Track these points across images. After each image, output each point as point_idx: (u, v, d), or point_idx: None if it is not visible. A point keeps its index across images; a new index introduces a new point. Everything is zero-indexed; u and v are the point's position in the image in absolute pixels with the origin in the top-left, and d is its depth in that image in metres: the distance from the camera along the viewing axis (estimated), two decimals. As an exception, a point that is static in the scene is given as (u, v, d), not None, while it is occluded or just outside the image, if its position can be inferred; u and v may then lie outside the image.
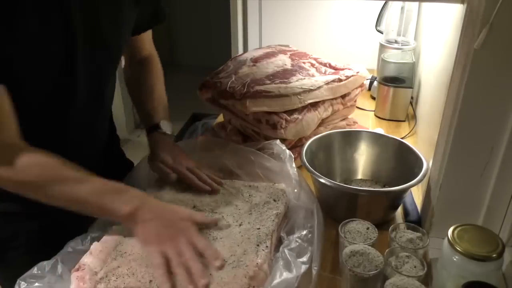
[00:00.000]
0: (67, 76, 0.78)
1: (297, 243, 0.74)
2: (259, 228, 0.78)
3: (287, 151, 0.93)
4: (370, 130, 1.20)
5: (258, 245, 0.74)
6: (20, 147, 0.71)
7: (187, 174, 0.89)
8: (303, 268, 0.69)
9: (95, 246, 0.72)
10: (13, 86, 0.71)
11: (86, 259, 0.70)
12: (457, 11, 0.84)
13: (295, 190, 0.86)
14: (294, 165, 0.90)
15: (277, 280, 0.66)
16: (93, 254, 0.70)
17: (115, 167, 1.00)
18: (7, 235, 0.87)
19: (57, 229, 0.79)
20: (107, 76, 0.89)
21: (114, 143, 1.07)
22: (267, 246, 0.74)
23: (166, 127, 0.98)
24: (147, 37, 1.03)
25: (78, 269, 0.68)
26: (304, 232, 0.77)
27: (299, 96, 1.08)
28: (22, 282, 0.66)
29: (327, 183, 0.88)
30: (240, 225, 0.79)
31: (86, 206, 0.72)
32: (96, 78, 0.84)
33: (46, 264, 0.69)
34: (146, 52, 1.04)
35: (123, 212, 0.71)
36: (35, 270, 0.68)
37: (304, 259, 0.71)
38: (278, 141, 0.96)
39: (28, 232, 0.87)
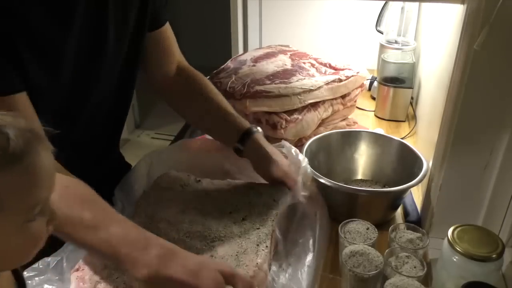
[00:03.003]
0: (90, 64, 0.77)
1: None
2: (259, 228, 0.78)
3: (295, 150, 0.92)
4: (370, 130, 1.20)
5: (258, 245, 0.74)
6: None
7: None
8: None
9: None
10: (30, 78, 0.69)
11: (86, 259, 0.70)
12: (457, 11, 0.84)
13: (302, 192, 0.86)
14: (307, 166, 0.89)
15: None
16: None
17: (113, 169, 0.99)
18: None
19: None
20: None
21: (115, 145, 1.06)
22: (267, 246, 0.74)
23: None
24: (171, 38, 0.95)
25: (78, 269, 0.68)
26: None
27: (299, 96, 1.08)
28: (25, 272, 0.66)
29: (327, 183, 0.88)
30: (240, 225, 0.79)
31: (99, 255, 0.65)
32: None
33: (51, 261, 0.69)
34: (177, 61, 0.98)
35: (139, 276, 0.62)
36: (39, 264, 0.68)
37: None
38: (286, 143, 0.95)
39: None
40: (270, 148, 0.89)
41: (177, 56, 0.98)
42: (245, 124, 0.91)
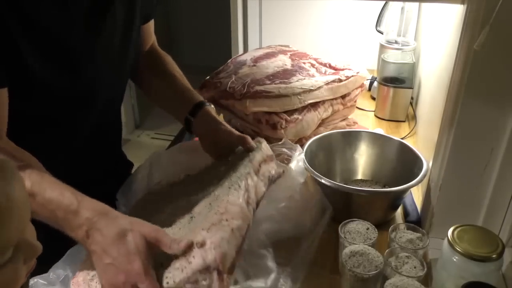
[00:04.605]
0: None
1: None
2: (231, 175, 0.77)
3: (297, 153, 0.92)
4: (370, 130, 1.20)
5: (229, 188, 0.74)
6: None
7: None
8: None
9: None
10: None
11: (81, 266, 0.70)
12: (457, 11, 0.84)
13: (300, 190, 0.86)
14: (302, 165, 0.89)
15: None
16: (87, 258, 0.70)
17: (116, 167, 1.00)
18: None
19: (62, 238, 0.78)
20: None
21: (118, 143, 1.07)
22: (239, 185, 0.73)
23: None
24: (151, 26, 1.01)
25: (74, 277, 0.69)
26: None
27: (299, 96, 1.08)
28: (36, 279, 0.67)
29: (327, 183, 0.88)
30: (215, 183, 0.79)
31: (42, 219, 0.68)
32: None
33: (61, 273, 0.70)
34: (151, 42, 1.04)
35: (75, 237, 0.66)
36: (51, 275, 0.69)
37: None
38: (289, 143, 0.95)
39: None
40: (219, 119, 0.91)
41: (152, 40, 1.02)
42: (199, 98, 0.93)
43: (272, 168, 0.84)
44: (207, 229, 0.66)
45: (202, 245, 0.64)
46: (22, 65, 0.69)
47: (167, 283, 0.62)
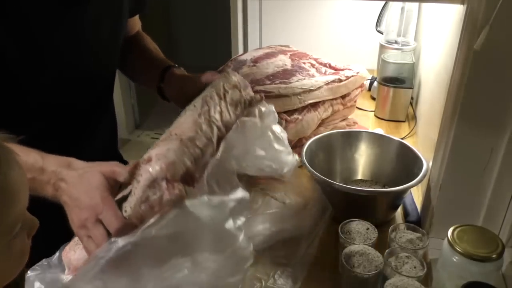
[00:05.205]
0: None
1: None
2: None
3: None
4: (370, 130, 1.20)
5: (185, 111, 0.72)
6: None
7: None
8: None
9: None
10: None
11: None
12: (457, 11, 0.84)
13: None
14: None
15: None
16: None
17: None
18: None
19: (52, 230, 0.78)
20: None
21: (114, 143, 1.07)
22: (194, 106, 0.71)
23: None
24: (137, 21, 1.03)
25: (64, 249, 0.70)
26: None
27: (299, 97, 1.08)
28: (29, 272, 0.67)
29: (327, 183, 0.88)
30: None
31: None
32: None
33: (53, 256, 0.70)
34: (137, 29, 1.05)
35: (47, 195, 0.67)
36: (42, 261, 0.69)
37: None
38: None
39: None
40: (186, 75, 0.89)
41: (137, 28, 1.03)
42: (167, 63, 0.92)
43: (246, 94, 0.78)
44: (154, 147, 0.65)
45: (148, 161, 0.63)
46: (2, 58, 0.69)
47: (125, 211, 0.61)
